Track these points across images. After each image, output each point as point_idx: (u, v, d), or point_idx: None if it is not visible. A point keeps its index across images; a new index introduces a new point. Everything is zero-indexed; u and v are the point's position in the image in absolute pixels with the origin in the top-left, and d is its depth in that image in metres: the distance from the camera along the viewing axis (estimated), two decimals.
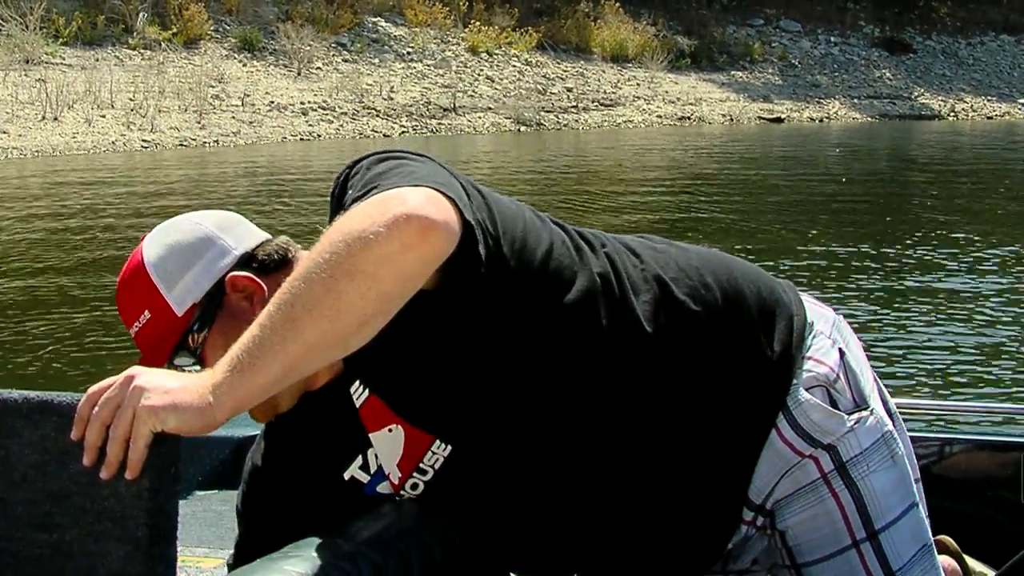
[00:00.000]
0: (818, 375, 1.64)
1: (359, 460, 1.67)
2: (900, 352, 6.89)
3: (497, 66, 25.16)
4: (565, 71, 25.87)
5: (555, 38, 26.55)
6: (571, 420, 1.58)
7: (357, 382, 1.62)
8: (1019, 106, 28.76)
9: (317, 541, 1.52)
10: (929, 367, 6.62)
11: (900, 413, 1.81)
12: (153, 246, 1.63)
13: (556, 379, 1.56)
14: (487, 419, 1.59)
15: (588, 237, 1.65)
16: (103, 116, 19.12)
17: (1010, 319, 7.78)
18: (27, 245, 10.42)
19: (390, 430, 1.63)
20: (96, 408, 1.38)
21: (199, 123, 19.76)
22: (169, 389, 1.37)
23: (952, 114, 27.93)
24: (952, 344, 7.14)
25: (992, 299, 8.38)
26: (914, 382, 6.21)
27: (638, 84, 26.02)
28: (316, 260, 1.35)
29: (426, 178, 1.42)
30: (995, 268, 9.55)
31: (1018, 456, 2.42)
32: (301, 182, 15.14)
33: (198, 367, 1.62)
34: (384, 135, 21.23)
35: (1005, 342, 7.19)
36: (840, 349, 1.69)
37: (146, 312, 1.62)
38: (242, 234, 1.66)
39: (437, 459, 1.63)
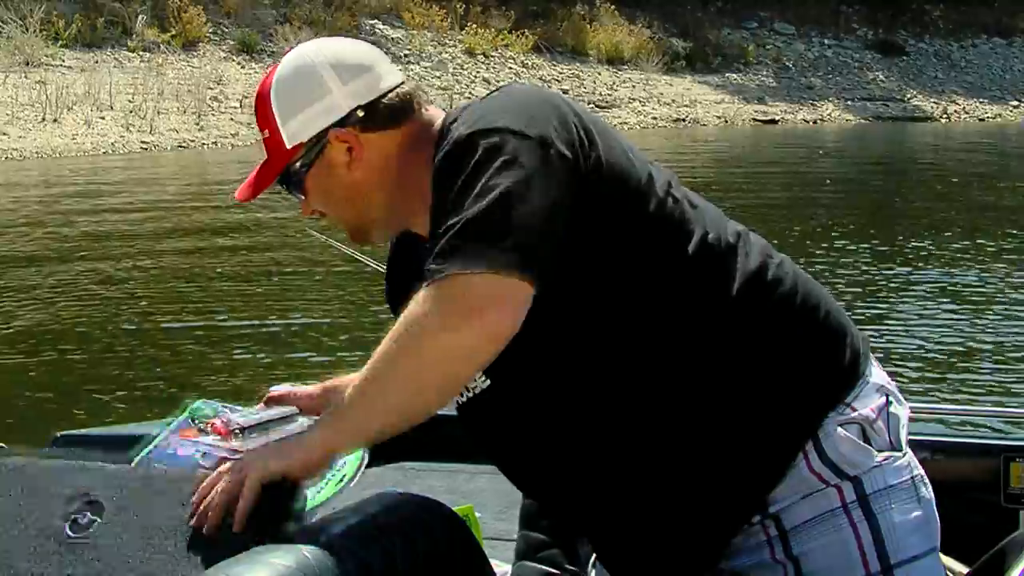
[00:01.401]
0: (856, 416, 1.66)
1: None
2: (882, 354, 6.89)
3: (494, 68, 25.27)
4: (561, 73, 25.98)
5: (551, 40, 26.65)
6: (610, 390, 1.64)
7: None
8: (1011, 108, 28.92)
9: (304, 535, 1.56)
10: (910, 369, 6.65)
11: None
12: (283, 76, 1.77)
13: (609, 346, 1.63)
14: (528, 370, 1.66)
15: (702, 209, 1.71)
16: (102, 118, 19.20)
17: (993, 322, 7.83)
18: (27, 246, 10.49)
19: None
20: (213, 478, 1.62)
21: (198, 125, 19.85)
22: (270, 450, 1.64)
23: (944, 116, 28.05)
24: (934, 347, 7.18)
25: (976, 302, 8.42)
26: (898, 383, 6.27)
27: (633, 86, 26.13)
28: (396, 352, 1.55)
29: (510, 250, 1.51)
30: (978, 271, 9.58)
31: (998, 458, 2.45)
32: None
33: (303, 196, 1.80)
34: None
35: (987, 345, 7.23)
36: (887, 396, 1.72)
37: (267, 131, 1.78)
38: (365, 85, 1.74)
39: (476, 386, 1.71)
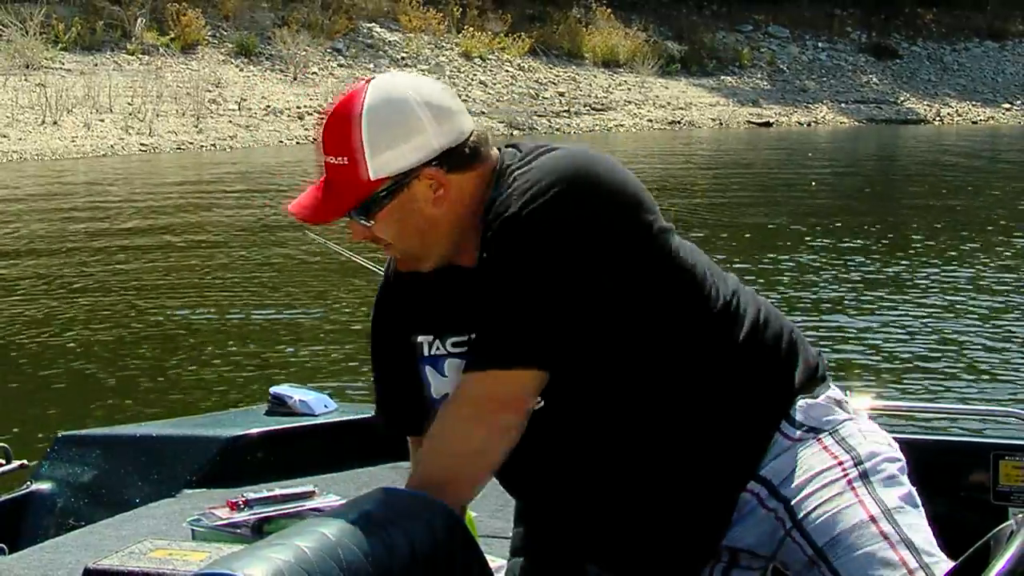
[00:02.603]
0: (825, 396, 1.93)
1: (430, 337, 1.93)
2: (874, 354, 7.01)
3: (490, 71, 25.36)
4: (557, 76, 26.07)
5: (547, 43, 26.74)
6: (633, 404, 1.85)
7: None
8: (1003, 111, 29.04)
9: (302, 530, 1.60)
10: (902, 368, 6.74)
11: (873, 414, 2.07)
12: (377, 108, 1.80)
13: (635, 371, 1.84)
14: (573, 391, 1.86)
15: (712, 268, 1.94)
16: (102, 120, 19.27)
17: (983, 322, 7.88)
18: (26, 246, 10.57)
19: None
20: None
21: (196, 127, 19.94)
22: None
23: (937, 118, 28.13)
24: (925, 345, 7.23)
25: (967, 302, 8.46)
26: (887, 383, 6.32)
27: (629, 89, 26.22)
28: (436, 449, 1.83)
29: (529, 351, 1.78)
30: (967, 272, 9.63)
31: (988, 456, 2.51)
32: (295, 185, 15.37)
33: (369, 221, 1.84)
34: None
35: (978, 344, 7.29)
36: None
37: (345, 158, 1.81)
38: (452, 128, 1.83)
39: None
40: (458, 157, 1.83)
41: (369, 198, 1.82)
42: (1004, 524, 1.57)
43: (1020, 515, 1.54)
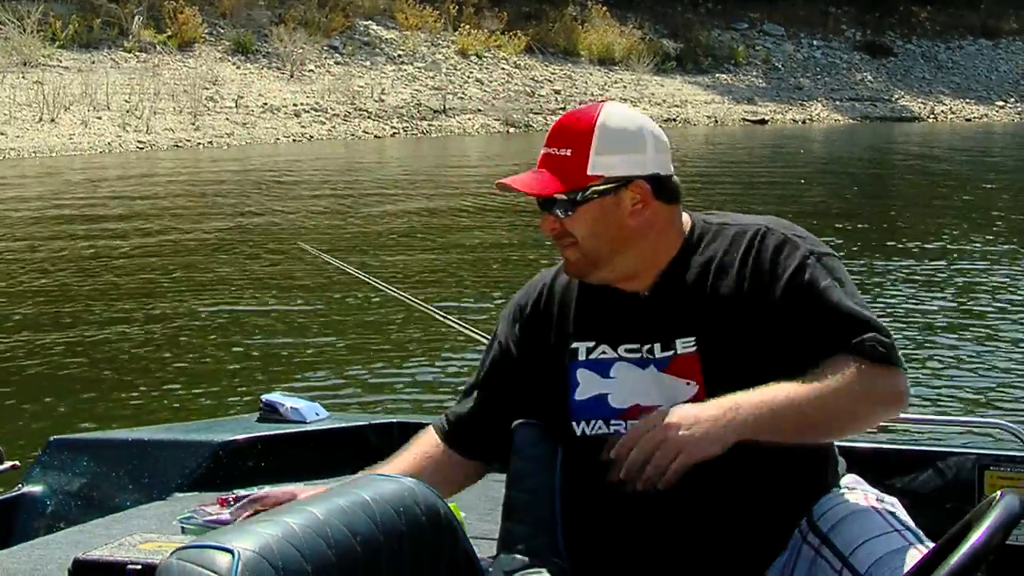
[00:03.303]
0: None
1: (592, 343, 2.08)
2: None
3: (486, 69, 25.43)
4: (553, 73, 26.14)
5: (543, 41, 26.82)
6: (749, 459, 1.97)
7: (693, 339, 2.02)
8: (996, 108, 29.15)
9: (292, 508, 1.63)
10: None
11: None
12: (613, 117, 2.05)
13: None
14: None
15: None
16: (99, 118, 19.33)
17: (969, 332, 7.91)
18: (18, 247, 10.62)
19: (688, 383, 2.01)
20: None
21: (193, 124, 19.99)
22: (701, 433, 1.92)
23: (932, 116, 28.24)
24: (909, 355, 7.19)
25: (951, 312, 8.51)
26: None
27: (625, 86, 26.28)
28: (839, 403, 1.95)
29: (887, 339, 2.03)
30: (954, 276, 9.69)
31: (973, 467, 2.57)
32: (292, 182, 15.47)
33: (569, 213, 2.04)
34: (375, 136, 21.54)
35: (963, 354, 7.31)
36: None
37: (569, 151, 2.04)
38: (665, 161, 2.08)
39: None
40: (663, 187, 2.06)
41: (581, 189, 2.02)
42: (982, 503, 1.64)
43: (1000, 492, 1.60)
